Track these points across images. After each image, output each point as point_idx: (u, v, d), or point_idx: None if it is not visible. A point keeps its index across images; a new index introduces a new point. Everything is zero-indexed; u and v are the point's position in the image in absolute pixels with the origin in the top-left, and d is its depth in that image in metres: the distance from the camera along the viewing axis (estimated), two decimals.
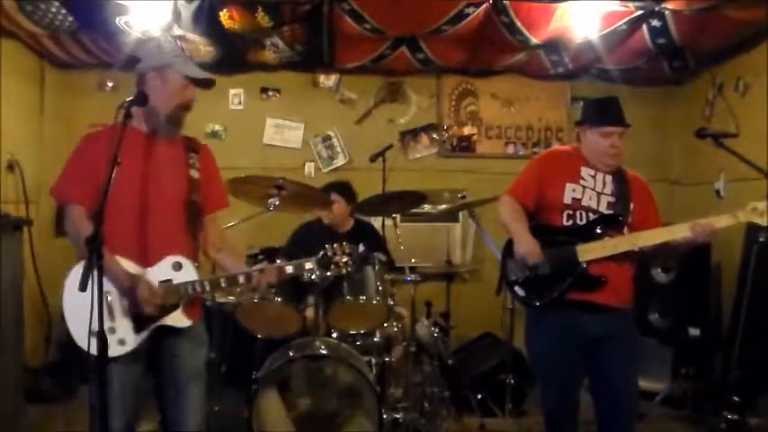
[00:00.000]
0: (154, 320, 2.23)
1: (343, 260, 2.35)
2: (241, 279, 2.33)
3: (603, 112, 2.72)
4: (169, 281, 2.24)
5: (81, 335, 2.15)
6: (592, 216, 2.64)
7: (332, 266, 2.34)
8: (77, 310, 2.16)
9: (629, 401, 2.67)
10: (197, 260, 2.37)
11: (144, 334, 2.22)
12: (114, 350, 2.13)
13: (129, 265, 2.22)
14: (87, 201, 2.25)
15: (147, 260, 2.25)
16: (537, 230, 2.65)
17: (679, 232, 2.53)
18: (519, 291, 2.72)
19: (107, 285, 2.13)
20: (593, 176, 2.69)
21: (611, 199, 2.67)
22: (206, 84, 2.37)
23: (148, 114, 2.31)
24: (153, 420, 3.30)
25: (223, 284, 2.32)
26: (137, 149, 2.27)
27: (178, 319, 2.27)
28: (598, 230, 2.61)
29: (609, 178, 2.70)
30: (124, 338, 2.19)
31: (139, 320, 2.21)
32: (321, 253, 2.34)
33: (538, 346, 2.77)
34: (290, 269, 2.34)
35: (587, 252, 2.58)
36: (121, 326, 2.19)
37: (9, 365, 3.20)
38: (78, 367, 4.12)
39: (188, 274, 2.27)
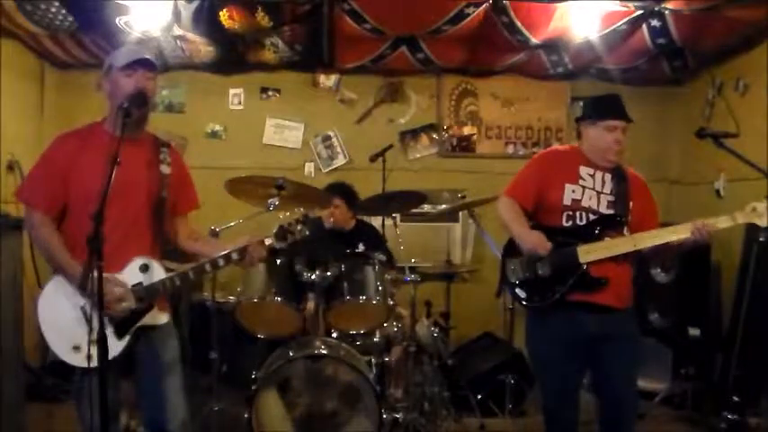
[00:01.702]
0: (133, 323, 2.23)
1: (298, 228, 2.40)
2: (207, 267, 2.32)
3: (608, 107, 2.72)
4: (140, 284, 2.24)
5: (62, 349, 2.18)
6: (592, 216, 2.64)
7: (288, 236, 2.40)
8: (54, 325, 2.20)
9: (630, 400, 2.69)
10: (162, 256, 2.37)
11: (126, 338, 2.22)
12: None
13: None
14: (49, 205, 2.26)
15: (114, 264, 2.19)
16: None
17: (679, 233, 2.52)
18: (520, 292, 2.72)
19: (81, 298, 2.16)
20: (593, 176, 2.69)
21: (611, 198, 2.66)
22: (145, 65, 2.27)
23: (111, 118, 2.30)
24: None
25: (192, 276, 2.31)
26: (104, 151, 2.16)
27: (156, 317, 2.30)
28: (597, 231, 2.61)
29: (608, 177, 2.69)
30: (108, 346, 2.16)
31: (119, 326, 2.21)
32: (277, 226, 2.39)
33: (538, 346, 2.77)
34: (251, 249, 2.34)
35: (588, 253, 2.57)
36: None
37: (9, 365, 3.20)
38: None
39: (156, 273, 2.27)
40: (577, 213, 2.64)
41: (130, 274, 2.25)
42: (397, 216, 3.88)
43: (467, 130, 5.33)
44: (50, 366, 4.36)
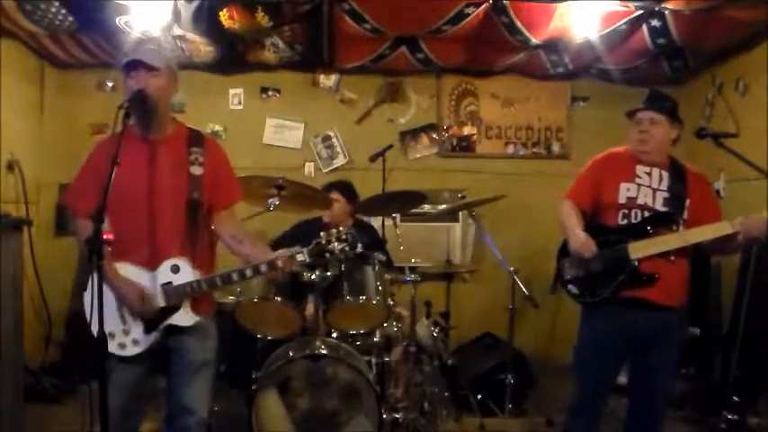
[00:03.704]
0: (161, 321, 2.30)
1: (339, 246, 2.36)
2: (235, 277, 2.36)
3: (643, 102, 2.79)
4: (169, 283, 2.31)
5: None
6: (647, 214, 2.68)
7: (326, 254, 2.35)
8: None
9: (664, 401, 2.77)
10: (203, 257, 2.40)
11: (155, 334, 2.31)
12: (130, 350, 2.29)
13: (136, 271, 2.29)
14: (91, 210, 2.29)
15: (153, 264, 2.32)
16: (591, 230, 2.70)
17: (727, 228, 2.54)
18: (573, 289, 2.78)
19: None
20: (649, 173, 2.73)
21: (667, 195, 2.70)
22: (142, 65, 2.29)
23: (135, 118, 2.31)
24: (154, 420, 3.31)
25: (219, 283, 2.36)
26: (135, 154, 2.28)
27: (182, 318, 2.34)
28: (649, 228, 2.65)
29: (665, 174, 2.73)
30: (138, 339, 2.30)
31: (148, 322, 2.30)
32: (314, 242, 2.36)
33: (587, 339, 2.81)
34: (280, 263, 2.35)
35: (638, 250, 2.62)
36: (134, 327, 2.30)
37: (9, 365, 3.20)
38: (78, 367, 4.14)
39: (185, 275, 2.32)
40: (633, 211, 2.69)
41: (162, 273, 2.32)
42: (397, 216, 3.87)
43: (467, 130, 5.33)
44: (50, 367, 4.38)
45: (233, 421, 3.33)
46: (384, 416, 3.06)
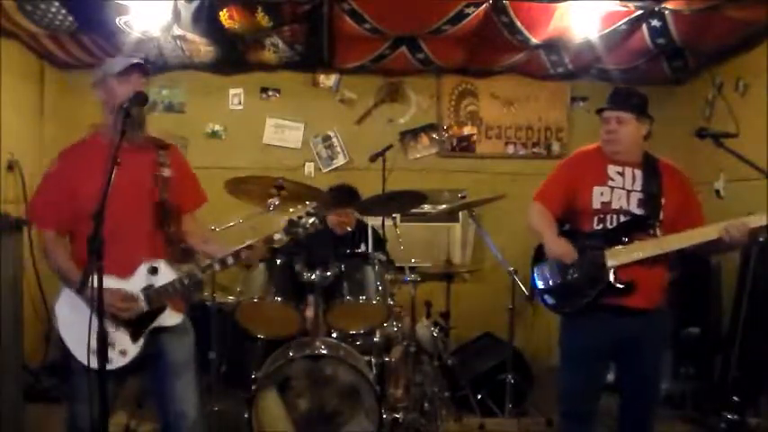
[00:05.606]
0: (146, 326, 2.28)
1: (310, 221, 2.43)
2: (217, 267, 2.36)
3: (607, 100, 2.72)
4: (150, 286, 2.29)
5: (82, 352, 2.18)
6: (622, 218, 2.60)
7: (300, 230, 2.42)
8: (73, 330, 2.25)
9: (652, 401, 2.73)
10: (174, 256, 2.42)
11: (142, 340, 2.28)
12: (118, 361, 2.24)
13: (109, 280, 2.19)
14: (59, 223, 2.33)
15: (125, 270, 2.28)
16: (566, 236, 2.64)
17: (709, 234, 2.48)
18: (548, 299, 2.72)
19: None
20: (621, 174, 2.64)
21: (641, 196, 2.61)
22: (137, 69, 2.34)
23: (109, 125, 2.34)
24: (153, 420, 3.31)
25: (199, 275, 2.37)
26: (104, 162, 2.22)
27: (169, 318, 2.34)
28: (626, 234, 2.58)
29: (638, 173, 2.65)
30: (125, 349, 2.27)
31: (134, 329, 2.27)
32: (287, 220, 2.43)
33: (569, 346, 2.77)
34: (259, 244, 2.39)
35: (615, 257, 2.56)
36: (119, 338, 2.26)
37: (9, 365, 3.20)
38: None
39: (165, 275, 2.32)
40: (608, 216, 2.62)
41: (140, 278, 2.30)
42: (397, 216, 3.86)
43: (467, 130, 5.33)
44: (50, 367, 4.37)
45: (233, 421, 3.33)
46: (384, 416, 3.06)
